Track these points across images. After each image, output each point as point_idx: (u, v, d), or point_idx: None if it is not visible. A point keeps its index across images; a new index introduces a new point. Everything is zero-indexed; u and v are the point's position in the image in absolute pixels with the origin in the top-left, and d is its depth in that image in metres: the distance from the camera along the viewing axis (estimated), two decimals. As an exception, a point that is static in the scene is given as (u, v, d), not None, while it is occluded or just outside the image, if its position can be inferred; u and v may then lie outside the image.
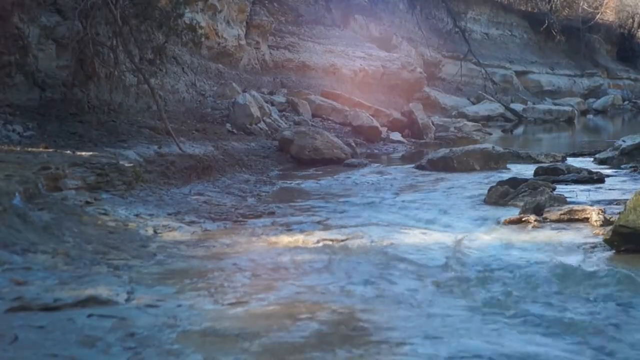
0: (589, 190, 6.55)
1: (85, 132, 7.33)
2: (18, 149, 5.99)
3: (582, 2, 31.76)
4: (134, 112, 8.80)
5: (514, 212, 5.46)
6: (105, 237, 4.27)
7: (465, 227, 5.10)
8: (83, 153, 6.08)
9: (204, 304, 3.10)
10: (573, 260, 4.00)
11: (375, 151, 11.43)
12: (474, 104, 21.73)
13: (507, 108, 21.37)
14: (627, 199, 4.46)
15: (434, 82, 22.13)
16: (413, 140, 12.90)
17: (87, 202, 4.93)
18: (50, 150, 6.07)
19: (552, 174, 7.51)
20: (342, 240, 4.57)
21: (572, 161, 9.20)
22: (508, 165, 8.89)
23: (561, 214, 5.19)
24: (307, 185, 7.57)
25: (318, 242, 4.51)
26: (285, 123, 11.37)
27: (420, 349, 2.68)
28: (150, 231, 4.64)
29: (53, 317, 2.79)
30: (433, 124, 13.95)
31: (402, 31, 21.75)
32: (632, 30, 34.13)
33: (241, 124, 10.45)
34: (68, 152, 6.06)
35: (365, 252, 4.22)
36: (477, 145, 9.71)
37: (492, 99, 22.21)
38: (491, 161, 8.80)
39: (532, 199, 5.68)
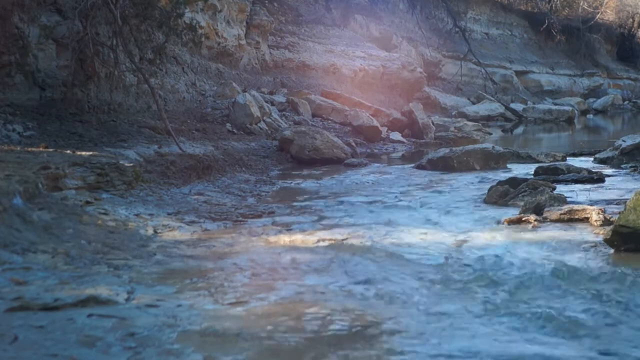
0: (589, 190, 6.54)
1: (85, 132, 7.33)
2: (18, 148, 5.99)
3: (582, 2, 31.75)
4: (134, 111, 8.81)
5: (514, 212, 5.46)
6: (105, 237, 4.27)
7: (465, 226, 5.10)
8: (83, 153, 6.08)
9: (204, 304, 3.10)
10: (573, 259, 4.00)
11: (375, 151, 11.43)
12: (474, 103, 21.73)
13: (507, 108, 21.37)
14: (627, 199, 4.46)
15: (434, 82, 22.13)
16: (413, 140, 12.90)
17: (87, 202, 4.94)
18: (50, 150, 6.07)
19: (552, 174, 7.51)
20: (342, 240, 4.57)
21: (572, 161, 9.19)
22: (508, 165, 8.89)
23: (561, 214, 5.19)
24: (307, 185, 7.57)
25: (318, 241, 4.51)
26: (285, 123, 11.37)
27: (421, 348, 2.68)
28: (150, 231, 4.64)
29: (53, 317, 2.79)
30: (433, 124, 13.94)
31: (402, 31, 21.75)
32: (632, 30, 34.11)
33: (241, 123, 10.45)
34: (68, 151, 6.06)
35: (365, 252, 4.21)
36: (477, 145, 9.71)
37: (492, 98, 22.21)
38: (491, 161, 8.79)
39: (532, 198, 5.68)
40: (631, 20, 34.07)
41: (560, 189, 6.52)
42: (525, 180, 6.56)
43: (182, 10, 8.65)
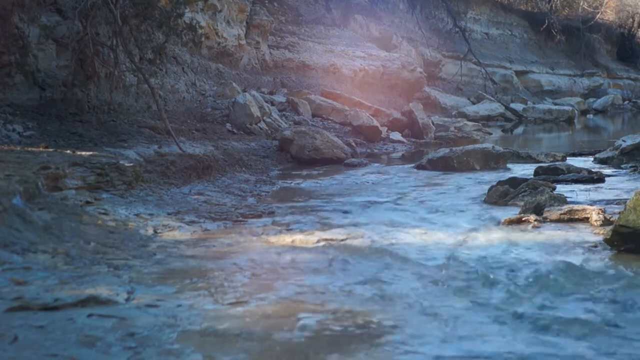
0: (589, 190, 6.54)
1: (85, 132, 7.33)
2: (18, 148, 6.00)
3: (582, 2, 31.76)
4: (134, 111, 8.81)
5: (514, 212, 5.46)
6: (105, 237, 4.27)
7: (465, 226, 5.10)
8: (83, 153, 6.08)
9: (204, 304, 3.10)
10: (573, 259, 4.00)
11: (375, 151, 11.43)
12: (474, 103, 21.74)
13: (507, 108, 21.38)
14: (627, 199, 4.46)
15: (434, 82, 22.13)
16: (413, 140, 12.90)
17: (87, 202, 4.94)
18: (50, 150, 6.07)
19: (552, 174, 7.51)
20: (342, 240, 4.57)
21: (572, 161, 9.19)
22: (508, 165, 8.89)
23: (561, 214, 5.19)
24: (307, 185, 7.57)
25: (318, 241, 4.51)
26: (285, 123, 11.37)
27: (421, 348, 2.68)
28: (150, 231, 4.64)
29: (53, 317, 2.79)
30: (433, 124, 13.94)
31: (402, 31, 21.75)
32: (632, 30, 34.12)
33: (241, 123, 10.46)
34: (68, 151, 6.06)
35: (365, 252, 4.22)
36: (477, 145, 9.71)
37: (492, 98, 22.22)
38: (491, 161, 8.79)
39: (532, 198, 5.68)
40: (631, 20, 34.07)
41: (560, 189, 6.52)
42: (525, 180, 6.56)
43: (182, 10, 8.65)
